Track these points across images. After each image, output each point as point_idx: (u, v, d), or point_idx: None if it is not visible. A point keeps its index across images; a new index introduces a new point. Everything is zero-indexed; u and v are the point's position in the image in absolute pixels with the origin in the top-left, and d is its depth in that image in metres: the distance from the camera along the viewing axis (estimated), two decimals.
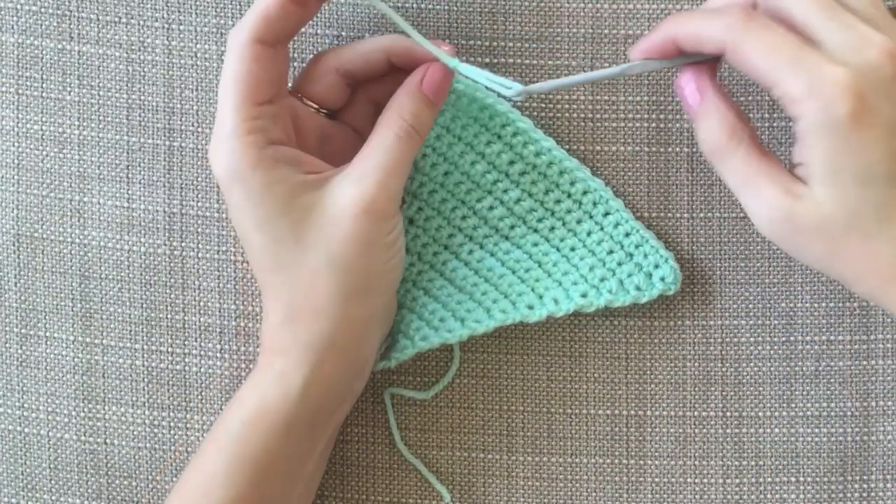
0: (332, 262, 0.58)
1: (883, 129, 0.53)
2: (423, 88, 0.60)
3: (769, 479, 0.65)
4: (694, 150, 0.65)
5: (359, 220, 0.58)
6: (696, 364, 0.65)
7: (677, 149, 0.65)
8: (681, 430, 0.65)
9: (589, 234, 0.64)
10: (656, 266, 0.64)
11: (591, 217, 0.64)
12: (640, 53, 0.57)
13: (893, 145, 0.53)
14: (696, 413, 0.65)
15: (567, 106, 0.65)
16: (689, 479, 0.66)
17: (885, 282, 0.54)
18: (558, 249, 0.64)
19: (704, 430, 0.65)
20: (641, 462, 0.66)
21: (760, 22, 0.54)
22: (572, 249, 0.64)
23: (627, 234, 0.64)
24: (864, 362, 0.65)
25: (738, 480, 0.65)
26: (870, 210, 0.54)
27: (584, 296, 0.63)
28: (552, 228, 0.64)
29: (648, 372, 0.65)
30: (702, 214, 0.65)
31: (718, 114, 0.56)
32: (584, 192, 0.64)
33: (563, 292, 0.63)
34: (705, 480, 0.65)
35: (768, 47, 0.53)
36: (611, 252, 0.64)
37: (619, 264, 0.64)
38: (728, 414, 0.65)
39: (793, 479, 0.65)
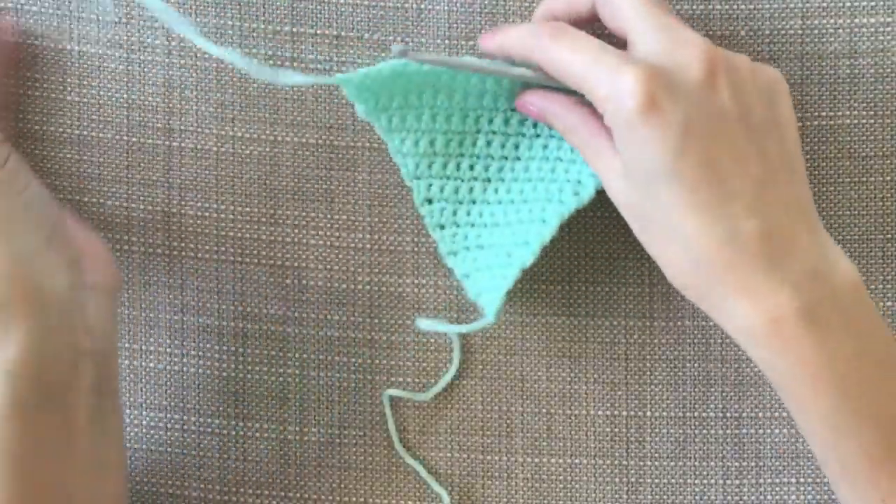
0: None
1: (673, 130, 0.54)
2: None
3: (769, 480, 0.65)
4: None
5: None
6: (696, 365, 0.65)
7: None
8: (681, 431, 0.65)
9: None
10: None
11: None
12: (489, 43, 0.61)
13: (684, 146, 0.54)
14: (696, 414, 0.65)
15: None
16: (689, 480, 0.66)
17: (682, 272, 0.56)
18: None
19: (704, 431, 0.65)
20: (641, 463, 0.66)
21: (564, 30, 0.57)
22: None
23: None
24: None
25: (738, 481, 0.65)
26: (660, 206, 0.55)
27: None
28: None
29: (648, 372, 0.65)
30: None
31: (555, 118, 0.60)
32: None
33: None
34: (705, 481, 0.65)
35: (572, 53, 0.56)
36: None
37: None
38: (728, 415, 0.65)
39: (793, 480, 0.65)
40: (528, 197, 0.64)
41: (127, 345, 0.67)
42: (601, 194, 0.63)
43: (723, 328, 0.56)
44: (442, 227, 0.65)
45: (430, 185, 0.65)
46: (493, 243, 0.65)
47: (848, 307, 0.55)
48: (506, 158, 0.64)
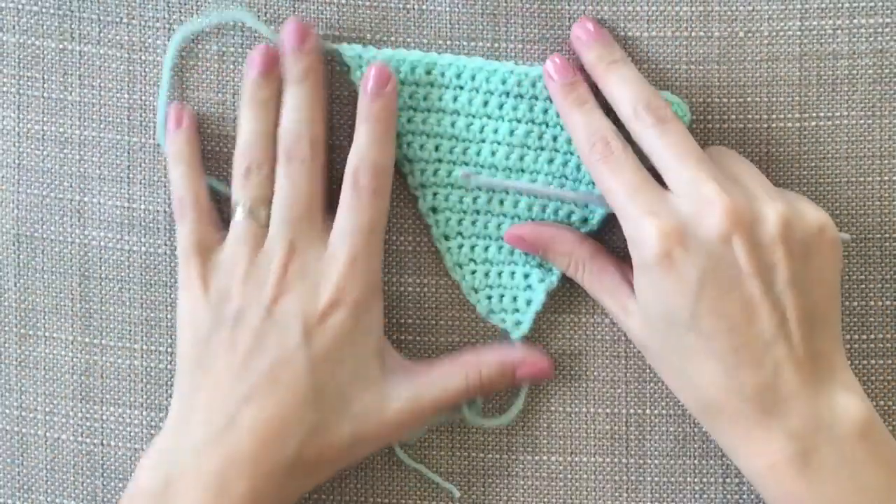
0: (350, 441, 0.61)
1: (688, 283, 0.57)
2: (518, 377, 0.64)
3: None
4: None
5: (388, 428, 0.62)
6: None
7: None
8: (681, 429, 0.66)
9: None
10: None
11: None
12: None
13: (699, 298, 0.57)
14: None
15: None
16: (688, 479, 0.66)
17: (693, 410, 0.61)
18: (571, 153, 0.64)
19: (704, 429, 0.65)
20: (641, 461, 0.66)
21: (610, 153, 0.60)
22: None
23: None
24: (864, 362, 0.65)
25: (737, 479, 0.65)
26: (674, 348, 0.59)
27: None
28: (555, 138, 0.64)
29: (648, 370, 0.65)
30: None
31: (555, 256, 0.64)
32: None
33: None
34: (705, 479, 0.65)
35: (614, 180, 0.59)
36: None
37: None
38: None
39: None
40: (537, 215, 0.64)
41: (127, 345, 0.67)
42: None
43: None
44: (447, 238, 0.65)
45: (436, 194, 0.65)
46: (502, 259, 0.65)
47: (849, 451, 0.57)
48: (510, 170, 0.64)
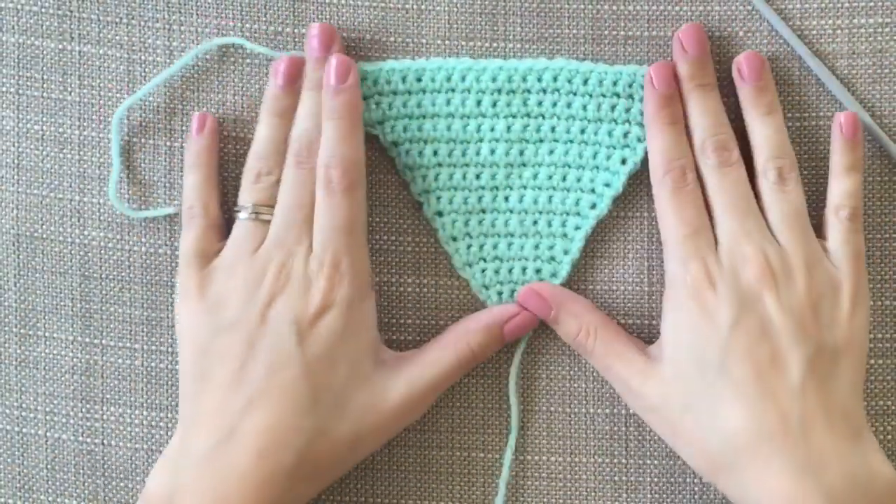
0: (350, 442, 0.61)
1: (721, 325, 0.59)
2: (506, 332, 0.64)
3: None
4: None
5: (387, 423, 0.62)
6: None
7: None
8: None
9: (584, 107, 0.64)
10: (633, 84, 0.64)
11: (571, 93, 0.64)
12: None
13: (727, 342, 0.59)
14: None
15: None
16: (688, 479, 0.66)
17: (714, 469, 0.60)
18: (570, 141, 0.64)
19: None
20: (641, 461, 0.66)
21: (692, 195, 0.62)
22: (582, 132, 0.64)
23: (600, 82, 0.64)
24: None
25: None
26: (702, 394, 0.59)
27: (623, 162, 0.64)
28: (552, 128, 0.64)
29: None
30: None
31: (570, 315, 0.64)
32: (555, 78, 0.64)
33: (604, 167, 0.64)
34: (705, 479, 0.65)
35: (674, 216, 0.61)
36: (608, 101, 0.64)
37: (624, 107, 0.64)
38: None
39: None
40: (543, 207, 0.64)
41: (127, 345, 0.67)
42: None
43: None
44: (455, 239, 0.65)
45: (440, 198, 0.65)
46: (511, 255, 0.65)
47: None
48: (512, 165, 0.64)
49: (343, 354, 0.61)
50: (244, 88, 0.66)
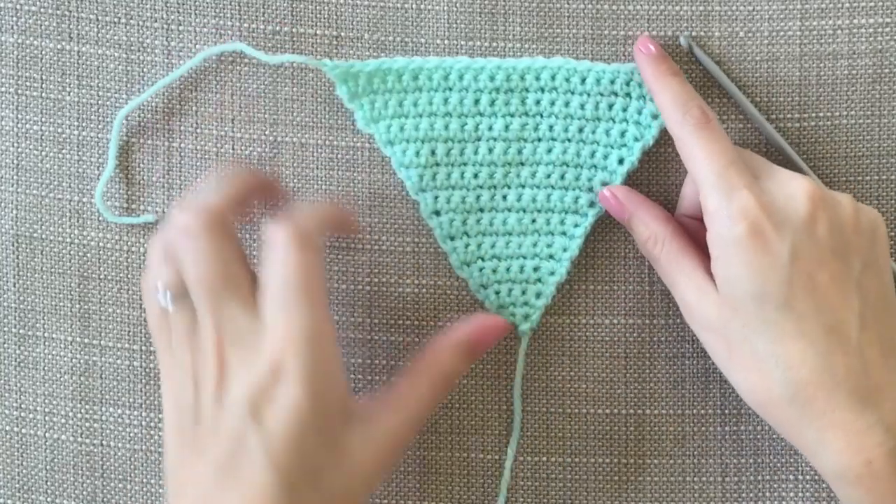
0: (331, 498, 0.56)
1: (779, 259, 0.57)
2: (476, 348, 0.61)
3: (768, 477, 0.65)
4: None
5: (368, 480, 0.56)
6: (695, 362, 0.66)
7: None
8: (680, 429, 0.66)
9: (582, 106, 0.64)
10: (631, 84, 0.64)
11: (569, 92, 0.64)
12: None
13: (792, 274, 0.57)
14: (694, 411, 0.66)
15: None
16: (688, 478, 0.66)
17: (770, 401, 0.58)
18: (569, 140, 0.64)
19: (703, 428, 0.65)
20: (641, 461, 0.66)
21: (707, 122, 0.60)
22: (580, 130, 0.64)
23: (598, 81, 0.64)
24: None
25: (736, 478, 0.65)
26: (760, 327, 0.57)
27: (620, 161, 0.64)
28: (550, 127, 0.64)
29: (647, 371, 0.66)
30: None
31: (641, 223, 0.62)
32: (553, 76, 0.64)
33: (602, 166, 0.64)
34: (704, 479, 0.66)
35: (703, 153, 0.59)
36: (608, 100, 0.64)
37: (622, 106, 0.64)
38: (727, 412, 0.66)
39: (791, 477, 0.65)
40: (542, 206, 0.64)
41: (127, 345, 0.67)
42: None
43: (808, 461, 0.58)
44: (452, 239, 0.65)
45: (437, 197, 0.65)
46: (510, 254, 0.65)
47: None
48: (510, 164, 0.64)
49: (310, 425, 0.55)
50: (244, 88, 0.66)
